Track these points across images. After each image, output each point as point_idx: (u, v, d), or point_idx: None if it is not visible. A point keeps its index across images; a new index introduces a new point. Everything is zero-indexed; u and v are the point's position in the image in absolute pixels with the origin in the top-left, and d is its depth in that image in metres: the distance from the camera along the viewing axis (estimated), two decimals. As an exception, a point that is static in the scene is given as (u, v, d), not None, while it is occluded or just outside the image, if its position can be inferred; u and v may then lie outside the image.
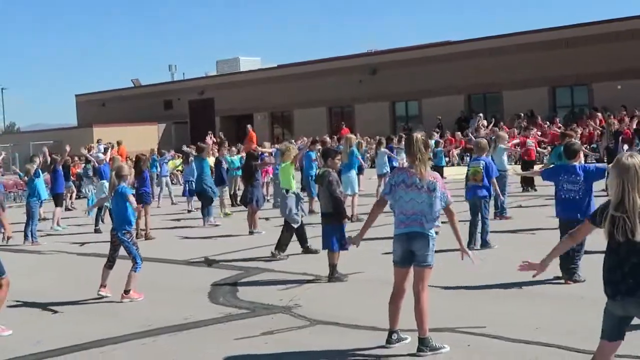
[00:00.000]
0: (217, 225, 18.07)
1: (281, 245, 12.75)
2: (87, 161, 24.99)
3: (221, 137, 21.32)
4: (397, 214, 7.18)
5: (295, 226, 12.92)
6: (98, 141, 33.96)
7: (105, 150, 25.23)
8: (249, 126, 38.19)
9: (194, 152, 24.12)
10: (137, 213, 11.65)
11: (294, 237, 12.96)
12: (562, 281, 9.63)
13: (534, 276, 5.54)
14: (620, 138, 20.22)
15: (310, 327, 8.34)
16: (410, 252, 7.10)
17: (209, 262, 12.91)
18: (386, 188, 7.34)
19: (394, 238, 7.24)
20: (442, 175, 22.59)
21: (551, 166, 10.86)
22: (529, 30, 43.27)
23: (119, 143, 35.16)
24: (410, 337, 7.27)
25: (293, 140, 22.78)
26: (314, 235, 14.30)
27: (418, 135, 7.22)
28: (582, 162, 10.24)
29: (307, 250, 12.92)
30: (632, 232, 4.85)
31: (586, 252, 9.65)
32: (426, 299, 7.04)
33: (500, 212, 16.10)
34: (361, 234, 7.57)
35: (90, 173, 23.70)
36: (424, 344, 6.99)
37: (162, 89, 61.08)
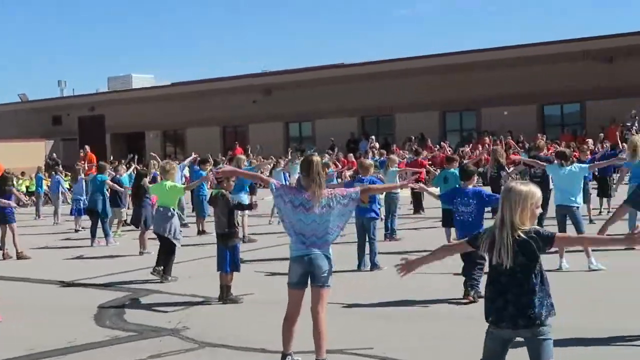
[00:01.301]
0: (116, 244, 17.68)
1: (168, 268, 12.51)
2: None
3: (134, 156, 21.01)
4: (293, 234, 7.12)
5: (179, 245, 12.73)
6: None
7: None
8: (86, 147, 37.64)
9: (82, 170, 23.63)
10: None
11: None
12: (454, 301, 9.75)
13: (401, 276, 5.48)
14: (504, 168, 20.80)
15: (199, 349, 8.22)
16: (308, 273, 7.07)
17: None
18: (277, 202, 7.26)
19: (291, 259, 7.19)
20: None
21: (449, 190, 11.12)
22: (421, 55, 44.27)
23: None
24: (301, 358, 7.24)
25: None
26: (204, 255, 14.19)
27: (317, 158, 7.23)
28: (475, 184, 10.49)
29: (156, 272, 12.52)
30: (508, 258, 4.93)
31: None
32: (325, 320, 7.04)
33: (390, 234, 16.30)
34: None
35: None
36: None
37: (50, 104, 59.60)
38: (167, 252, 12.57)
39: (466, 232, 9.72)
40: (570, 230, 11.99)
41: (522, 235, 4.92)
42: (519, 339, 5.06)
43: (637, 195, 8.41)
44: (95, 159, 34.22)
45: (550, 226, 14.04)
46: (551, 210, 13.66)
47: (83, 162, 33.20)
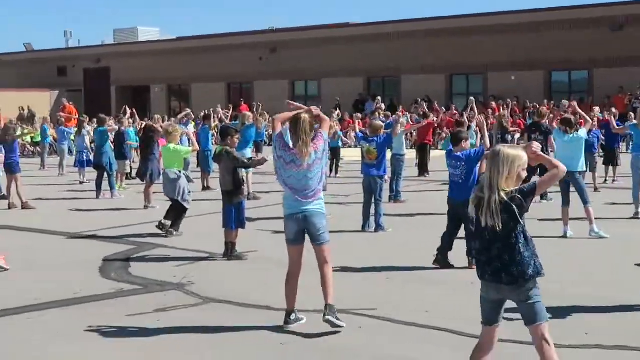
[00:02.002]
0: (120, 197, 17.74)
1: (176, 224, 12.56)
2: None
3: (126, 109, 20.80)
4: (286, 189, 7.23)
5: (188, 207, 12.77)
6: None
7: None
8: (64, 100, 37.64)
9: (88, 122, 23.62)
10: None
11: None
12: (458, 267, 9.79)
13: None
14: (507, 133, 20.79)
15: (203, 304, 8.29)
16: (304, 230, 7.19)
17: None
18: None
19: (285, 217, 7.28)
20: (339, 156, 22.92)
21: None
22: (429, 17, 43.96)
23: None
24: (305, 317, 7.31)
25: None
26: (209, 212, 14.23)
27: (306, 116, 7.25)
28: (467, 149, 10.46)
29: (162, 226, 12.53)
30: (494, 220, 5.01)
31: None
32: (331, 272, 7.22)
33: (395, 196, 16.33)
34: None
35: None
36: (331, 310, 7.11)
37: (56, 55, 59.26)
38: (177, 211, 12.64)
39: (455, 192, 9.90)
40: (574, 198, 12.00)
41: (504, 196, 4.99)
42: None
43: None
44: (74, 112, 34.24)
45: (554, 192, 14.11)
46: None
47: (62, 113, 33.23)
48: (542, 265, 5.10)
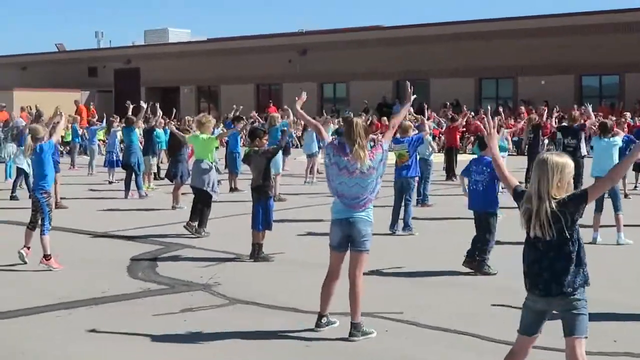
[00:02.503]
0: (147, 196, 17.85)
1: (203, 222, 12.61)
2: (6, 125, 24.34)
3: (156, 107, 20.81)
4: (335, 196, 7.14)
5: (216, 198, 12.81)
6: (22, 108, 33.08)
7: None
8: (77, 100, 37.98)
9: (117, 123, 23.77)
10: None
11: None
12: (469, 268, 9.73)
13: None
14: (540, 132, 20.61)
15: (229, 305, 8.30)
16: (348, 236, 7.10)
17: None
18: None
19: (332, 221, 7.22)
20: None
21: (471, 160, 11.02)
22: (458, 21, 43.77)
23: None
24: (338, 321, 7.31)
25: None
26: (236, 213, 14.27)
27: (359, 120, 7.19)
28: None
29: (190, 226, 12.59)
30: (546, 232, 4.92)
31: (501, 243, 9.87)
32: (361, 284, 7.08)
33: (422, 200, 16.27)
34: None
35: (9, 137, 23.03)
36: (356, 328, 7.04)
37: (87, 56, 59.73)
38: (203, 206, 12.64)
39: (476, 201, 9.79)
40: (607, 204, 11.89)
41: (555, 205, 4.89)
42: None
43: None
44: (85, 112, 34.43)
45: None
46: (586, 182, 13.50)
47: (75, 114, 33.52)
48: (589, 275, 5.05)
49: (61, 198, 16.29)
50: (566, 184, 4.97)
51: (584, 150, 16.65)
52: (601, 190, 5.10)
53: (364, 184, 6.97)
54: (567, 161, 5.00)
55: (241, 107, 24.24)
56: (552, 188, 4.91)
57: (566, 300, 4.98)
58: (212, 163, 12.88)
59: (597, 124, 13.13)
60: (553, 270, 4.96)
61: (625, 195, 17.09)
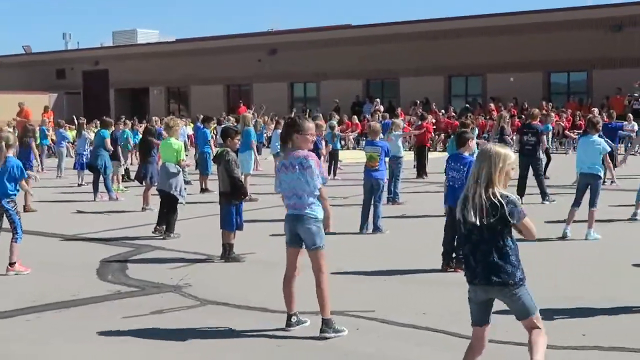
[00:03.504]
0: (117, 199, 17.72)
1: (171, 225, 12.54)
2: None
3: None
4: (283, 196, 7.28)
5: (182, 202, 12.75)
6: None
7: None
8: (22, 103, 36.75)
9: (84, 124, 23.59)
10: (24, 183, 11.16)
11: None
12: (452, 269, 9.78)
13: None
14: (505, 131, 20.81)
15: (200, 307, 8.28)
16: (296, 234, 7.14)
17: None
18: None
19: (284, 218, 7.30)
20: (337, 158, 22.96)
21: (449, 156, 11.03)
22: (427, 19, 43.99)
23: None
24: (309, 320, 7.30)
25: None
26: (207, 213, 14.22)
27: (292, 120, 7.32)
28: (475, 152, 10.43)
29: (158, 230, 12.60)
30: (476, 216, 5.05)
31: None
32: (326, 280, 7.08)
33: (393, 198, 16.33)
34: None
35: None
36: (327, 325, 7.05)
37: (55, 58, 59.30)
38: (169, 210, 12.59)
39: (451, 199, 9.85)
40: (585, 199, 11.98)
41: (496, 196, 5.02)
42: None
43: None
44: (30, 115, 33.88)
45: (568, 195, 14.12)
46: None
47: (18, 117, 33.13)
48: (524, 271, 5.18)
49: (29, 203, 16.12)
50: (504, 174, 5.10)
51: (542, 150, 16.83)
52: (524, 233, 5.16)
53: (295, 179, 7.04)
54: (508, 153, 5.18)
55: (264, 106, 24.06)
56: (494, 176, 5.06)
57: (505, 291, 5.11)
58: (179, 167, 12.80)
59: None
60: (489, 262, 5.08)
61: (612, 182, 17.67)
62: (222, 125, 19.73)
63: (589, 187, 11.91)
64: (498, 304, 5.36)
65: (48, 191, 19.98)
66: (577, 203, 11.99)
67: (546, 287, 8.42)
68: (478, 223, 5.04)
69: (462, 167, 9.81)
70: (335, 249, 9.67)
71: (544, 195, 16.00)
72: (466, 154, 10.02)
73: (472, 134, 11.19)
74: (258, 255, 10.93)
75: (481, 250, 5.10)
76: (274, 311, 7.75)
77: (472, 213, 5.05)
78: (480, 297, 5.21)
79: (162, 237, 12.36)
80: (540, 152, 16.73)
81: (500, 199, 5.03)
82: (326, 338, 7.00)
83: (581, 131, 12.74)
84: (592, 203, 11.88)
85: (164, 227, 12.50)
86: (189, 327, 7.47)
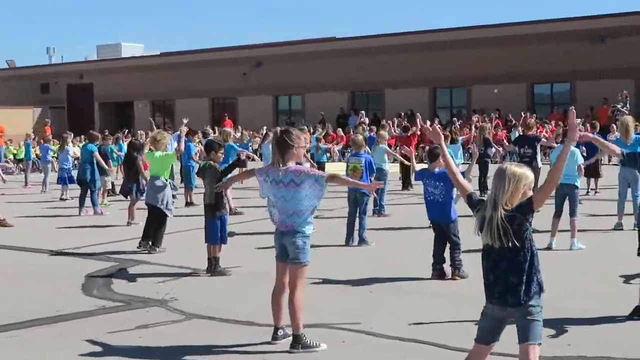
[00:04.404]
0: (102, 214, 17.64)
1: (157, 239, 12.51)
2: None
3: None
4: (274, 210, 7.20)
5: (170, 216, 12.71)
6: None
7: None
8: None
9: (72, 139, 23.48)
10: None
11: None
12: (437, 279, 9.81)
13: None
14: (490, 142, 20.92)
15: (185, 321, 8.24)
16: (284, 247, 7.12)
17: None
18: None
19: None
20: (323, 171, 22.91)
21: (420, 170, 11.06)
22: (412, 31, 44.14)
23: None
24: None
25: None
26: (192, 227, 14.17)
27: (278, 129, 7.28)
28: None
29: (143, 245, 12.57)
30: (497, 239, 4.97)
31: (470, 251, 9.95)
32: (299, 296, 7.02)
33: (378, 210, 16.34)
34: None
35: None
36: (296, 341, 7.01)
37: (39, 72, 59.13)
38: (157, 224, 12.55)
39: (436, 212, 9.97)
40: (565, 210, 12.04)
41: (504, 214, 4.95)
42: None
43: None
44: (3, 129, 33.70)
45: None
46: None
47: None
48: (544, 281, 5.12)
49: (4, 218, 16.05)
50: (520, 195, 5.00)
51: (539, 161, 16.82)
52: (545, 193, 5.13)
53: (287, 196, 6.97)
54: (525, 173, 5.05)
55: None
56: (506, 197, 4.97)
57: (521, 308, 5.02)
58: (166, 180, 12.77)
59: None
60: (507, 281, 5.00)
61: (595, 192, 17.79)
62: (207, 139, 19.67)
63: (567, 197, 12.01)
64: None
65: (33, 206, 19.89)
66: (557, 214, 12.06)
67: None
68: (496, 245, 4.98)
69: (437, 183, 9.95)
70: (321, 261, 9.67)
71: None
72: (437, 169, 10.10)
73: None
74: (244, 268, 10.91)
75: (499, 268, 5.03)
76: (260, 325, 7.73)
77: (488, 235, 4.97)
78: (498, 313, 5.10)
79: (147, 252, 12.32)
80: (539, 162, 16.69)
81: (507, 217, 4.94)
82: (293, 353, 6.96)
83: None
84: (572, 212, 11.97)
85: (150, 242, 12.45)
86: (175, 341, 7.44)
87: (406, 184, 21.94)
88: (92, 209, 17.83)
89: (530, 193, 5.07)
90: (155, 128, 19.29)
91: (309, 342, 7.01)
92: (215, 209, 10.58)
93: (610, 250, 11.84)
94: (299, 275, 7.05)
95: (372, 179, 13.12)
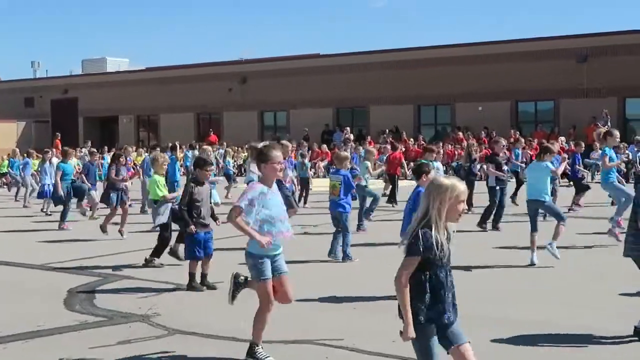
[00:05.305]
0: (68, 229, 17.55)
1: (159, 252, 12.47)
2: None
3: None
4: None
5: (155, 224, 12.69)
6: None
7: None
8: None
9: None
10: None
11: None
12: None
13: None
14: (476, 161, 21.00)
15: (168, 336, 8.20)
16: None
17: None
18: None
19: None
20: (308, 186, 22.93)
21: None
22: (396, 49, 44.34)
23: None
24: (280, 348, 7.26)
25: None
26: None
27: (255, 145, 7.36)
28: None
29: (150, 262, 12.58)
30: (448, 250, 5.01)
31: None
32: (260, 310, 7.13)
33: (361, 226, 16.33)
34: None
35: None
36: (249, 350, 7.10)
37: (23, 86, 58.99)
38: (158, 239, 12.52)
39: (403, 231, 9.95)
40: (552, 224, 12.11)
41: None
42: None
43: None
44: None
45: (524, 222, 14.17)
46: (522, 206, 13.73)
47: None
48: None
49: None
50: (447, 206, 4.86)
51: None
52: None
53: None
54: (453, 183, 4.89)
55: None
56: (434, 209, 4.87)
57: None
58: (162, 199, 12.65)
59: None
60: (453, 295, 5.23)
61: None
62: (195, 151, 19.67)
63: (538, 211, 12.15)
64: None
65: (15, 221, 19.79)
66: (534, 229, 12.09)
67: (516, 312, 8.44)
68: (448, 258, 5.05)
69: (410, 200, 9.93)
70: (305, 277, 9.64)
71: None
72: (422, 187, 10.07)
73: (431, 166, 11.03)
74: (226, 284, 10.84)
75: (449, 284, 5.23)
76: (242, 340, 7.70)
77: (445, 249, 5.00)
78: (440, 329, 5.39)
79: (138, 265, 12.29)
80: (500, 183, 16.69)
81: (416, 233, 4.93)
82: None
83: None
84: (559, 218, 12.00)
85: (155, 257, 12.39)
86: (157, 357, 7.40)
87: (391, 199, 21.96)
88: (72, 223, 17.80)
89: (462, 207, 4.93)
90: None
91: (260, 355, 7.06)
92: (183, 228, 10.66)
93: (599, 268, 11.86)
94: (257, 291, 7.26)
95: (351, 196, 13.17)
